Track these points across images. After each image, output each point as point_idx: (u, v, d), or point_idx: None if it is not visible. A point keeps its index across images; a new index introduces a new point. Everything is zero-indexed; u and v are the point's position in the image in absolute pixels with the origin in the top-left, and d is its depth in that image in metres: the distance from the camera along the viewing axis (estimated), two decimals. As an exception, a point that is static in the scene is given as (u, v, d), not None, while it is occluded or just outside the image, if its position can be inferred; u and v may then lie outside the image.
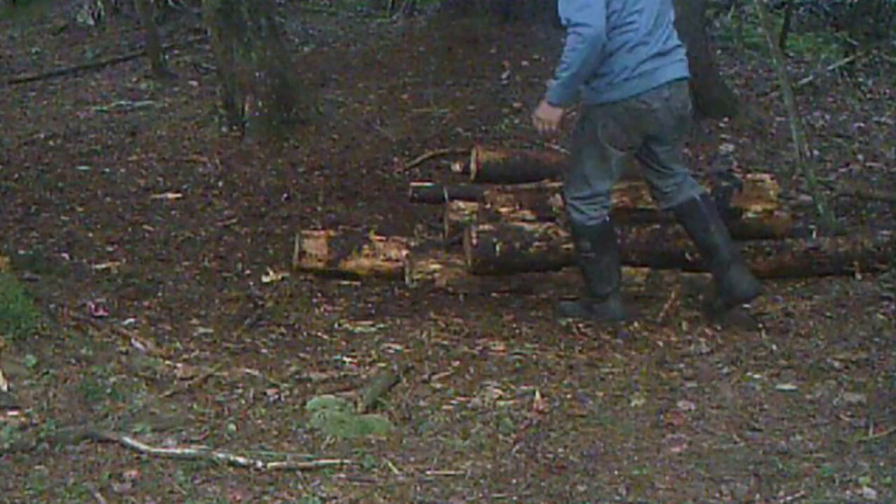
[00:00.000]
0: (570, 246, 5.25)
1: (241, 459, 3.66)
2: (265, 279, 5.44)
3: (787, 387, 4.37)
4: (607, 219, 4.95)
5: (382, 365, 4.52)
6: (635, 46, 4.74)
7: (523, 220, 5.39)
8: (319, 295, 5.30)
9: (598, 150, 4.83)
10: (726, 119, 7.85)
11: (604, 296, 5.00)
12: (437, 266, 5.36)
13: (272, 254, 5.77)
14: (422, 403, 4.20)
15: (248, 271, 5.56)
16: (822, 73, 9.34)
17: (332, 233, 5.62)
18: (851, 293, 5.35)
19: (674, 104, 4.87)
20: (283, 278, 5.44)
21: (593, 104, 4.82)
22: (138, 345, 4.54)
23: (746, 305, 5.07)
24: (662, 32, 4.82)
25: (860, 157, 7.60)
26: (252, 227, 6.11)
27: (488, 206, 5.47)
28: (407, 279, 5.38)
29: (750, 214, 5.60)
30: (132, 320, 4.84)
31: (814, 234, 5.83)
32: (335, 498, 3.50)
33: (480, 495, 3.54)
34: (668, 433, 3.98)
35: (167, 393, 4.16)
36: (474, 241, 5.23)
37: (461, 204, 5.57)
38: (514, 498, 3.53)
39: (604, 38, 4.64)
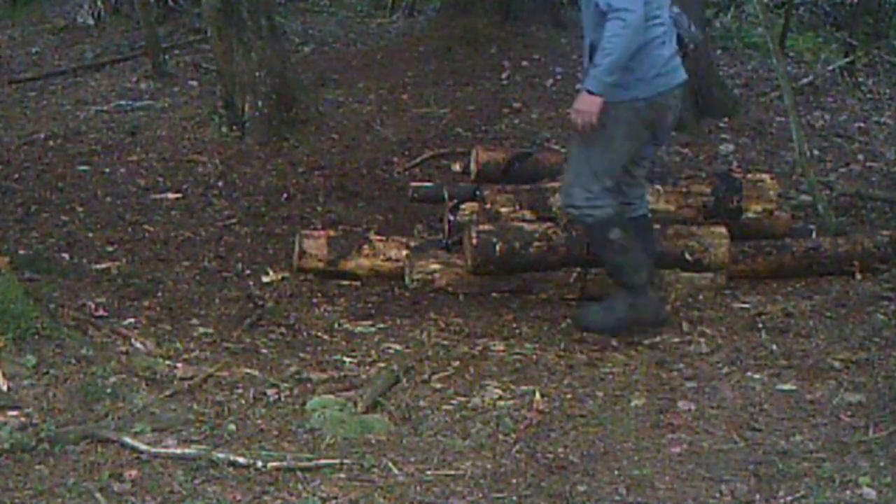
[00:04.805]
0: (567, 246, 5.26)
1: (241, 459, 3.66)
2: (265, 279, 5.44)
3: (787, 387, 4.37)
4: (616, 205, 4.84)
5: (382, 365, 4.52)
6: (663, 43, 4.70)
7: (523, 220, 5.39)
8: (319, 295, 5.30)
9: (613, 146, 4.73)
10: (726, 119, 7.85)
11: (643, 285, 4.86)
12: (437, 266, 5.36)
13: (272, 254, 5.77)
14: (422, 403, 4.20)
15: (248, 271, 5.56)
16: (822, 73, 9.35)
17: (332, 233, 5.62)
18: (851, 293, 5.35)
19: (678, 104, 4.88)
20: (283, 278, 5.44)
21: (617, 101, 4.64)
22: (138, 345, 4.54)
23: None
24: (673, 33, 4.81)
25: (860, 157, 7.60)
26: (252, 227, 6.11)
27: (488, 206, 5.47)
28: (407, 279, 5.38)
29: (750, 214, 5.60)
30: (132, 320, 4.84)
31: (814, 234, 5.83)
32: (335, 498, 3.50)
33: (480, 495, 3.55)
34: (668, 433, 3.99)
35: (167, 393, 4.16)
36: (474, 241, 5.23)
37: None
38: (514, 498, 3.53)
39: (643, 25, 4.56)
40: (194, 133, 7.39)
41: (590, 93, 4.63)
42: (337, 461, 3.70)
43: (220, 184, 6.68)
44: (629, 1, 4.51)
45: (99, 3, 10.44)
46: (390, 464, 3.72)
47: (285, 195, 6.51)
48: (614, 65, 4.57)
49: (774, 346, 4.76)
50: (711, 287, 5.34)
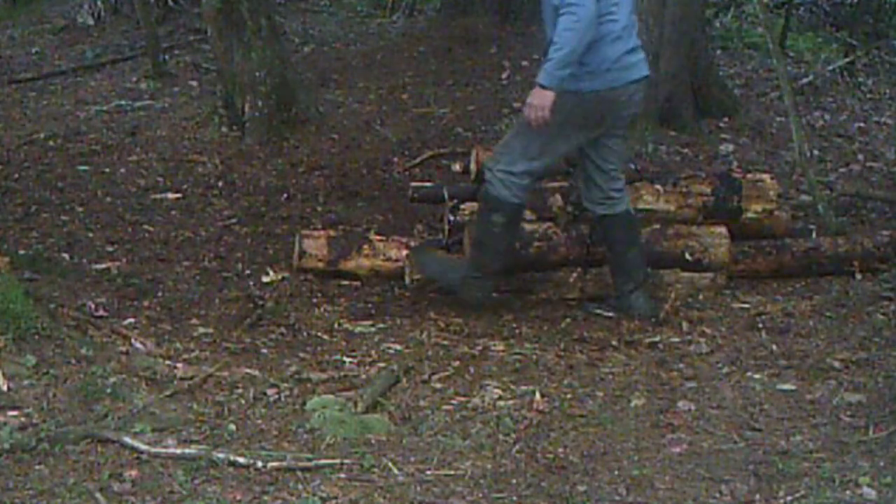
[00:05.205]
0: (567, 246, 5.26)
1: (241, 459, 3.66)
2: (265, 279, 5.44)
3: (787, 387, 4.37)
4: (524, 202, 4.94)
5: (382, 365, 4.52)
6: (616, 38, 4.73)
7: (523, 220, 5.38)
8: (319, 295, 5.31)
9: (552, 133, 4.74)
10: (726, 119, 7.85)
11: (488, 273, 4.98)
12: (437, 266, 5.35)
13: (272, 254, 5.77)
14: (422, 403, 4.20)
15: (248, 271, 5.56)
16: (822, 73, 9.35)
17: (332, 233, 5.62)
18: (851, 293, 5.35)
19: (636, 100, 4.89)
20: (283, 278, 5.44)
21: (566, 90, 4.66)
22: (138, 345, 4.54)
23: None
24: (633, 29, 4.83)
25: (860, 157, 7.61)
26: (252, 227, 6.11)
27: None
28: (407, 279, 5.38)
29: (750, 214, 5.59)
30: (132, 320, 4.84)
31: (814, 234, 5.83)
32: (335, 498, 3.50)
33: (480, 495, 3.55)
34: (668, 433, 3.99)
35: (167, 393, 4.16)
36: (474, 241, 5.22)
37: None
38: (514, 498, 3.53)
39: (595, 20, 4.60)
40: (194, 133, 7.39)
41: (542, 87, 4.65)
42: (337, 461, 3.69)
43: (220, 184, 6.68)
44: None
45: (99, 3, 10.44)
46: (390, 464, 3.72)
47: (285, 195, 6.51)
48: (566, 58, 4.60)
49: (774, 346, 4.76)
50: (711, 287, 5.34)
